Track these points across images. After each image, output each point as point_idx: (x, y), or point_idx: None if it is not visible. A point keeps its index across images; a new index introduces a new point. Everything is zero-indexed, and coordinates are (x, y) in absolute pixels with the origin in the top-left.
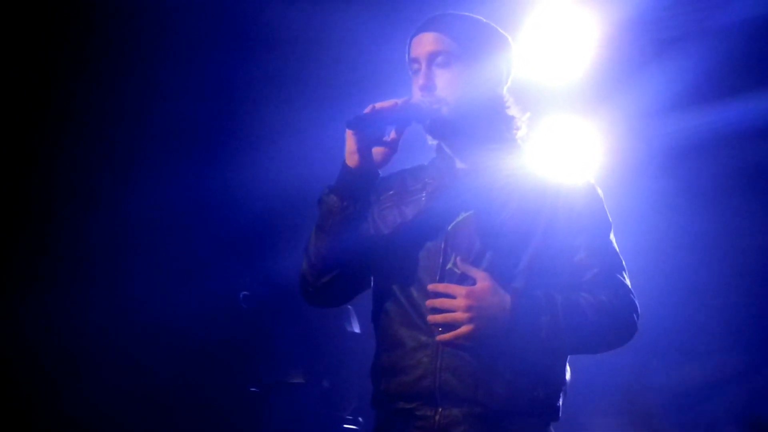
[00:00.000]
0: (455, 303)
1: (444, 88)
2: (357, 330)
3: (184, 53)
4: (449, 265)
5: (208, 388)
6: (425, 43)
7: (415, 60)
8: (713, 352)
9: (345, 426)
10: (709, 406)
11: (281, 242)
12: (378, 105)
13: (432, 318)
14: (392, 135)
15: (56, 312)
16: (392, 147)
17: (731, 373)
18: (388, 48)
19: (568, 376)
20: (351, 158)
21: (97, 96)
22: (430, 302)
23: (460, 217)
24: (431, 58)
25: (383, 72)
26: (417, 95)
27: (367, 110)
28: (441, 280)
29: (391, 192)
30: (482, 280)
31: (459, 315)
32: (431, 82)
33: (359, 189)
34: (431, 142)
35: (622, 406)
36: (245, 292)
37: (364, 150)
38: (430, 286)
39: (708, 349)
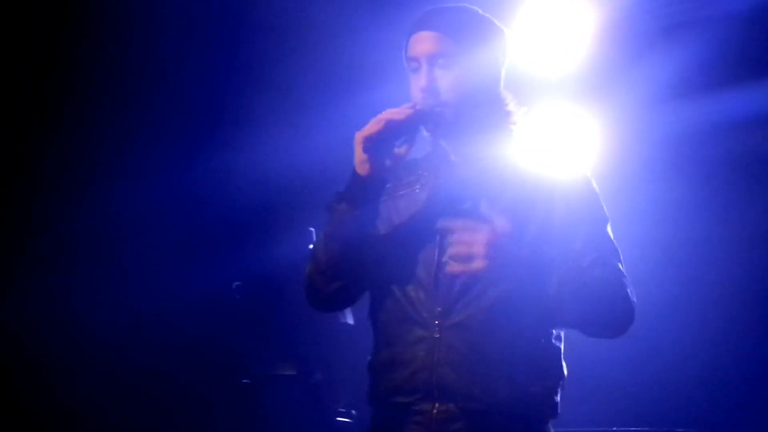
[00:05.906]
0: (475, 237)
1: (447, 91)
2: (351, 321)
3: (177, 40)
4: (445, 258)
5: (200, 380)
6: (425, 43)
7: (414, 59)
8: None
9: (338, 419)
10: None
11: (274, 232)
12: (386, 116)
13: (455, 250)
14: (403, 149)
15: (46, 306)
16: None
17: None
18: (386, 35)
19: (565, 371)
20: (362, 167)
21: (83, 85)
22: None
23: (456, 209)
24: (432, 59)
25: (380, 60)
26: (417, 95)
27: (377, 123)
28: (437, 273)
29: (387, 185)
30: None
31: (478, 248)
32: (434, 84)
33: (371, 196)
34: (426, 134)
35: None
36: (238, 283)
37: (375, 159)
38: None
39: None
